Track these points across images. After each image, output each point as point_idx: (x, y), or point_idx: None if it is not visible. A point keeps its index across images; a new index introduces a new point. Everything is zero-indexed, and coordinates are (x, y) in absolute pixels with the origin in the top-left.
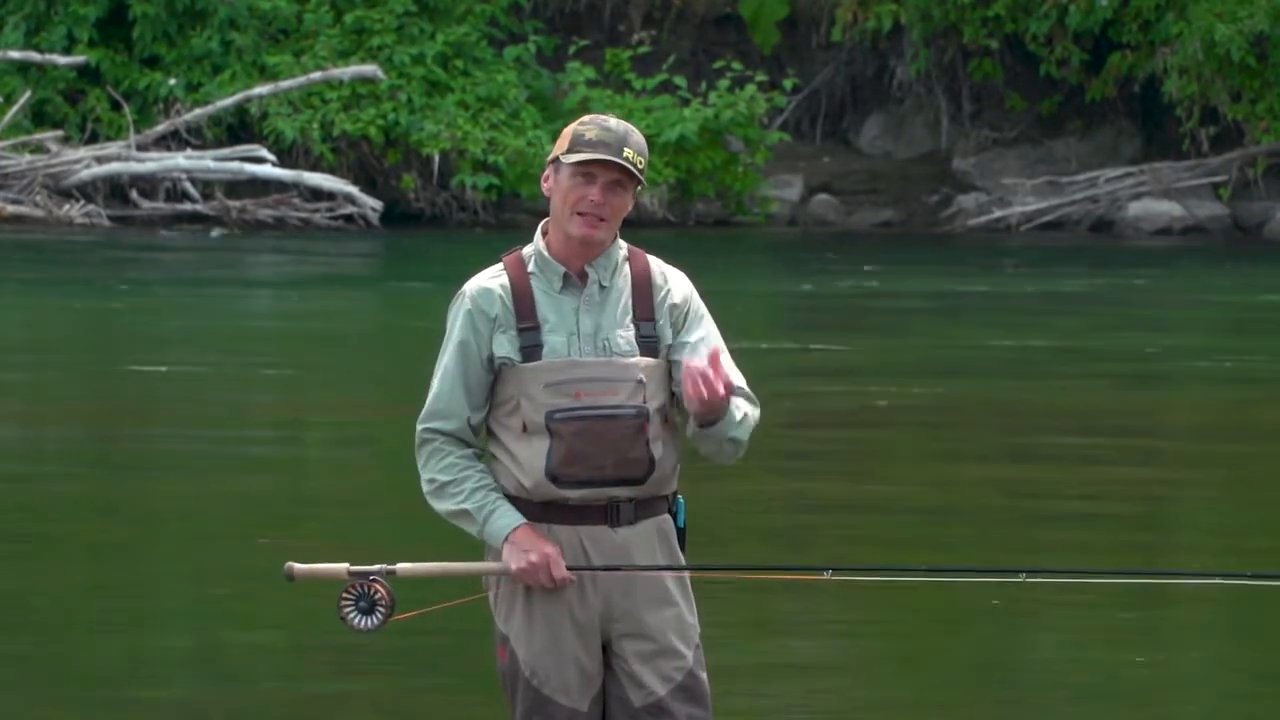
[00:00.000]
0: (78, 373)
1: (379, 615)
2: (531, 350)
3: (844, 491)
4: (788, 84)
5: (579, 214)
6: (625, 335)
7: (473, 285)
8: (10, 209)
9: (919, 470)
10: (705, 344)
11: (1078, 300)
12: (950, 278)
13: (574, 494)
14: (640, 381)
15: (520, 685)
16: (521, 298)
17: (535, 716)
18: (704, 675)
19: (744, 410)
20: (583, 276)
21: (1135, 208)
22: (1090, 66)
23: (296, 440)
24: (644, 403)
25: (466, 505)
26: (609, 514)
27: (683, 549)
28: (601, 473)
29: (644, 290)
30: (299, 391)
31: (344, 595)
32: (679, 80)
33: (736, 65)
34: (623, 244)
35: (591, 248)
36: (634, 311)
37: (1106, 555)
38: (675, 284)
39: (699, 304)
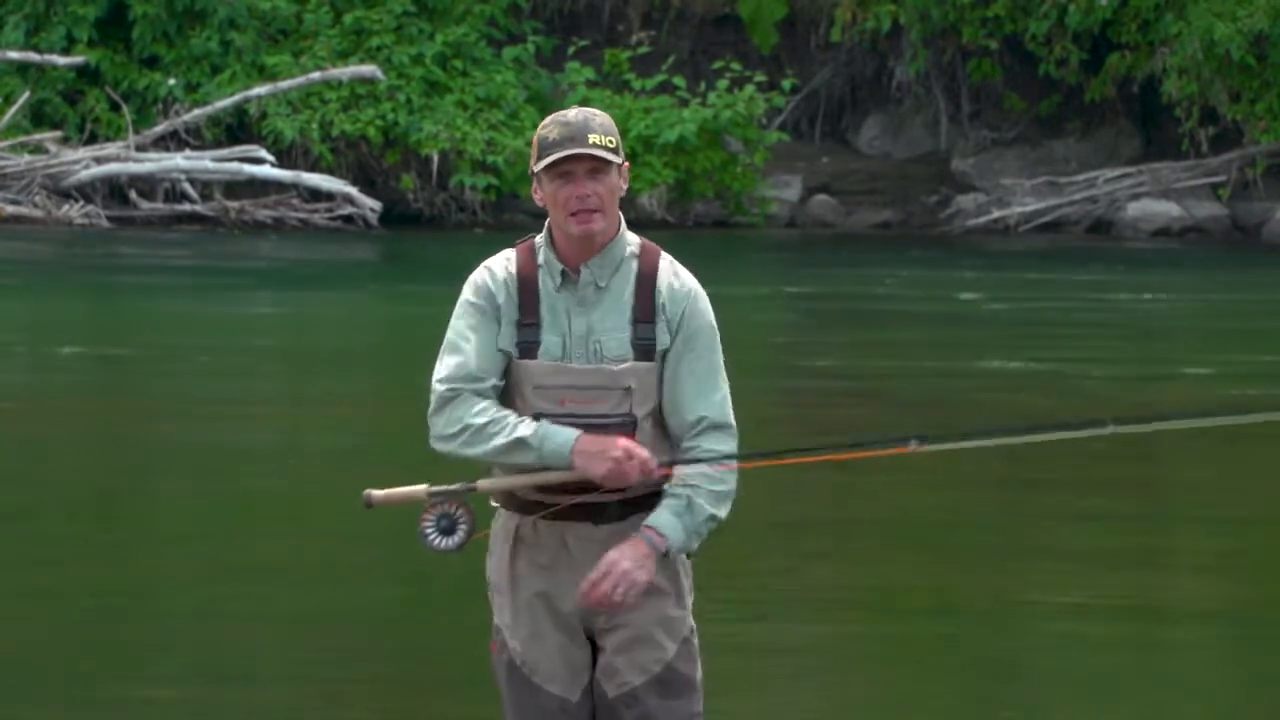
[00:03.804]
0: (77, 373)
1: (460, 534)
2: (528, 347)
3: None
4: (786, 84)
5: (572, 215)
6: (619, 338)
7: (483, 272)
8: (9, 209)
9: (909, 469)
10: (695, 378)
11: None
12: (951, 282)
13: (558, 498)
14: (628, 389)
15: (511, 674)
16: (526, 291)
17: (526, 705)
18: (690, 670)
19: (685, 497)
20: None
21: (1134, 208)
22: (1089, 66)
23: (297, 439)
24: (631, 410)
25: (519, 434)
26: (593, 513)
27: None
28: (589, 482)
29: (646, 290)
30: (299, 391)
31: (424, 517)
32: (678, 81)
33: (735, 66)
34: (632, 241)
35: (594, 241)
36: (633, 312)
37: (1106, 555)
38: (682, 288)
39: (707, 319)
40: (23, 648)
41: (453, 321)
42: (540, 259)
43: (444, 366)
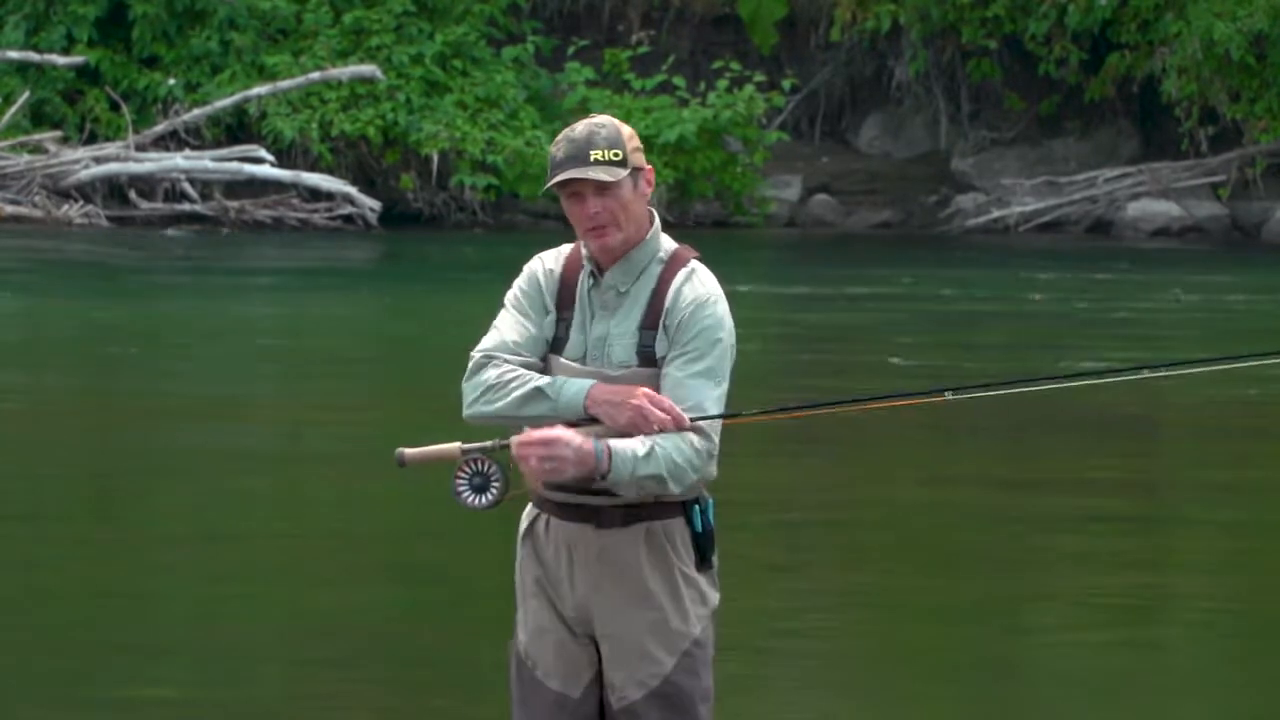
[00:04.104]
0: (77, 373)
1: (493, 492)
2: (558, 342)
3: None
4: (786, 84)
5: (588, 231)
6: (626, 344)
7: (535, 262)
8: (9, 209)
9: (915, 469)
10: (681, 379)
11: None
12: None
13: (556, 496)
14: None
15: (518, 667)
16: (565, 288)
17: (529, 699)
18: (691, 684)
19: (650, 446)
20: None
21: (1134, 208)
22: (1089, 66)
23: (296, 439)
24: None
25: (538, 384)
26: (595, 516)
27: (705, 552)
28: (575, 482)
29: (659, 298)
30: (298, 391)
31: (458, 474)
32: (678, 80)
33: (735, 65)
34: (664, 246)
35: (614, 251)
36: (642, 319)
37: (1106, 555)
38: (688, 296)
39: (706, 326)
40: (22, 648)
41: (503, 304)
42: (585, 258)
43: (485, 340)
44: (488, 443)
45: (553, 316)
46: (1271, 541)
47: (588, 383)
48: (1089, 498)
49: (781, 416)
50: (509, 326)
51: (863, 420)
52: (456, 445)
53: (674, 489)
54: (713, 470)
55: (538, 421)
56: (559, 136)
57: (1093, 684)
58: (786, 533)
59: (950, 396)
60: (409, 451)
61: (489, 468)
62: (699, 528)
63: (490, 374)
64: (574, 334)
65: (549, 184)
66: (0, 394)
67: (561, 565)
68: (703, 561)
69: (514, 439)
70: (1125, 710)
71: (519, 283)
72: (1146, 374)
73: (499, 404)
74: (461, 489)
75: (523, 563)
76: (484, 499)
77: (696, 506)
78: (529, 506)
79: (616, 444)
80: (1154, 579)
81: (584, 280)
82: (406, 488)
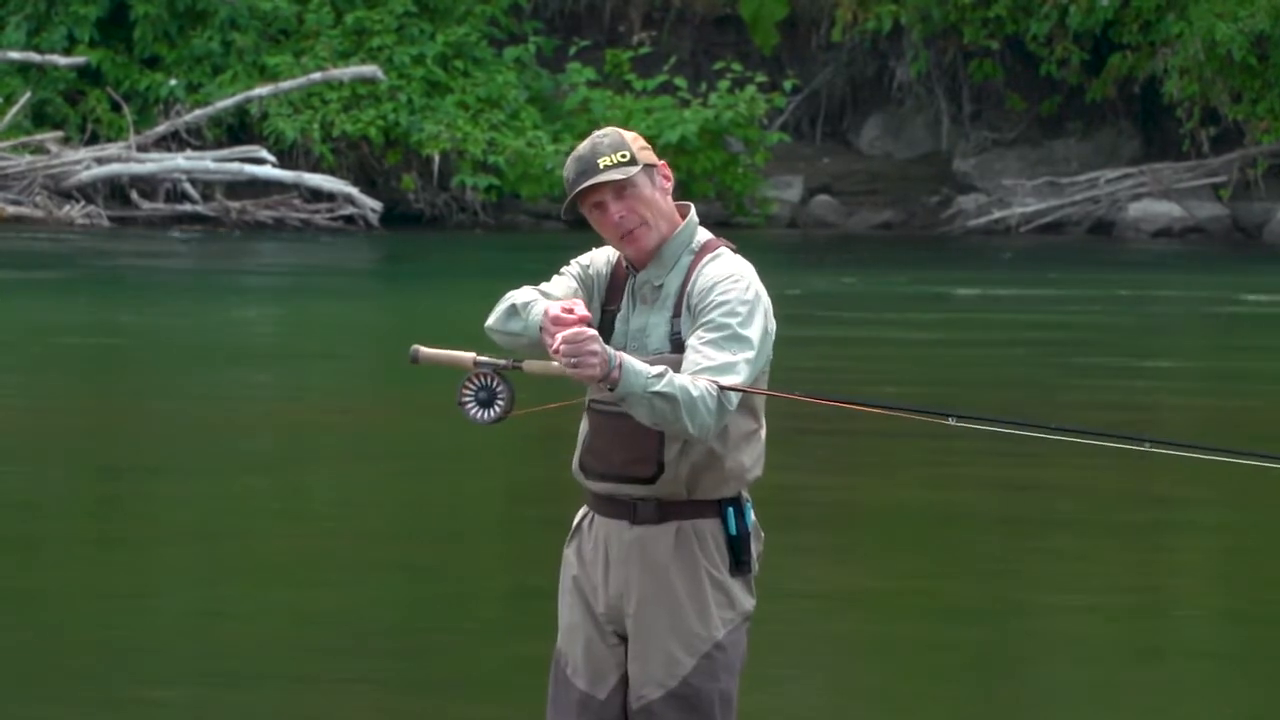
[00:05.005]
0: (78, 373)
1: (497, 408)
2: (604, 333)
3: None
4: (788, 85)
5: (621, 239)
6: (660, 333)
7: (597, 250)
8: (10, 210)
9: (916, 470)
10: (701, 343)
11: (1065, 299)
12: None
13: (594, 485)
14: None
15: (554, 664)
16: (617, 279)
17: (558, 696)
18: (710, 687)
19: (663, 370)
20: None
21: (1135, 209)
22: (1090, 67)
23: (297, 439)
24: None
25: (515, 301)
26: (629, 510)
27: (740, 556)
28: (612, 469)
29: (685, 286)
30: (299, 391)
31: (465, 386)
32: (679, 81)
33: (736, 66)
34: (699, 239)
35: (651, 251)
36: (673, 308)
37: (1105, 557)
38: (707, 277)
39: (722, 299)
40: (21, 648)
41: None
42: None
43: None
44: (501, 360)
45: (600, 306)
46: (1272, 543)
47: (546, 305)
48: (1089, 498)
49: (797, 398)
50: (553, 281)
51: (865, 421)
52: (471, 355)
53: (689, 424)
54: (749, 462)
55: (516, 338)
56: (568, 161)
57: (1093, 684)
58: (784, 533)
59: (954, 423)
60: (424, 350)
61: (497, 384)
62: (733, 530)
63: (513, 296)
64: (618, 325)
65: (568, 201)
66: (1, 394)
67: (599, 562)
68: (738, 565)
69: (548, 312)
70: (1125, 710)
71: (578, 259)
72: (1149, 447)
73: (491, 316)
74: (467, 400)
75: (565, 562)
76: (487, 414)
77: (732, 509)
78: (582, 508)
79: (628, 358)
80: (1154, 580)
81: (630, 278)
82: (406, 485)
